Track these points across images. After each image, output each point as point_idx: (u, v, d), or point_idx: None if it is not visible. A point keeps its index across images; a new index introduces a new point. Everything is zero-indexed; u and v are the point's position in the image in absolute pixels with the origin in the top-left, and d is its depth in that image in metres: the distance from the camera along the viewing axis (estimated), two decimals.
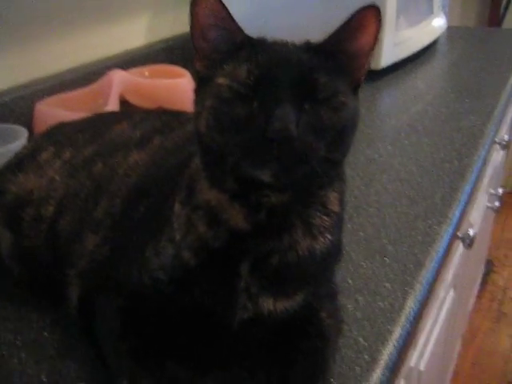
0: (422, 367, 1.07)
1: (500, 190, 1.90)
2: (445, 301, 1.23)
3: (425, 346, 1.08)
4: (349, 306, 0.65)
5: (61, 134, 0.81)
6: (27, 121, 1.12)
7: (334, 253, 0.57)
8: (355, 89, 0.53)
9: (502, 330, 2.41)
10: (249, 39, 0.52)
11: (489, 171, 1.64)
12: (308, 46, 0.52)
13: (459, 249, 1.24)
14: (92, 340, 0.58)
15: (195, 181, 0.54)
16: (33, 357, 0.60)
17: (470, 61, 1.67)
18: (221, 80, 0.49)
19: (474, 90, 1.37)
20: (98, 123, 0.81)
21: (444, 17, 1.86)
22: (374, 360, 0.57)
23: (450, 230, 0.80)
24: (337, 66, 0.51)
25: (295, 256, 0.51)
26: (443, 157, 1.02)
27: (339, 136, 0.48)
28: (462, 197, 0.89)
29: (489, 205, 1.77)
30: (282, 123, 0.44)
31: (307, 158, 0.46)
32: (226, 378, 0.55)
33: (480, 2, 3.84)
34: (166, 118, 0.75)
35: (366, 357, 0.58)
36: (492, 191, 1.84)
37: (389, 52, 1.45)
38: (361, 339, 0.60)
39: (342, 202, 0.55)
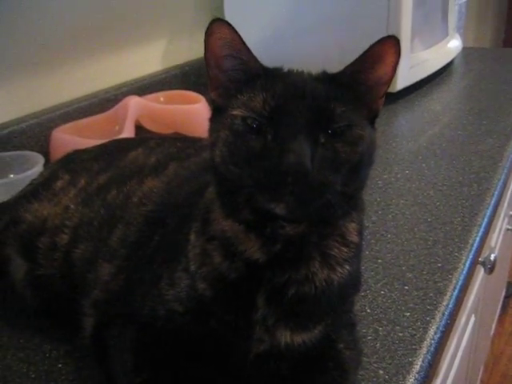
0: None
1: None
2: (466, 328, 1.20)
3: (446, 374, 1.05)
4: (368, 337, 0.63)
5: (76, 161, 0.81)
6: (44, 148, 1.13)
7: (353, 284, 0.55)
8: (372, 119, 0.52)
9: None
10: (264, 69, 0.52)
11: (509, 193, 1.62)
12: (324, 76, 0.51)
13: (480, 274, 1.22)
14: (106, 371, 0.57)
15: (210, 211, 0.53)
16: None
17: (486, 82, 1.66)
18: (235, 111, 0.49)
19: (491, 112, 1.36)
20: (113, 150, 0.81)
21: (459, 38, 1.86)
22: None
23: (471, 256, 0.78)
24: (354, 96, 0.50)
25: (312, 287, 0.50)
26: (462, 180, 1.00)
27: (355, 169, 0.48)
28: (483, 221, 0.87)
29: (509, 227, 1.74)
30: (297, 157, 0.43)
31: (322, 193, 0.45)
32: None
33: (495, 23, 3.84)
34: (182, 144, 0.75)
35: None
36: (511, 213, 1.81)
37: (404, 74, 1.44)
38: (381, 372, 0.58)
39: (361, 233, 0.54)
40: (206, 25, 0.50)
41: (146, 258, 0.59)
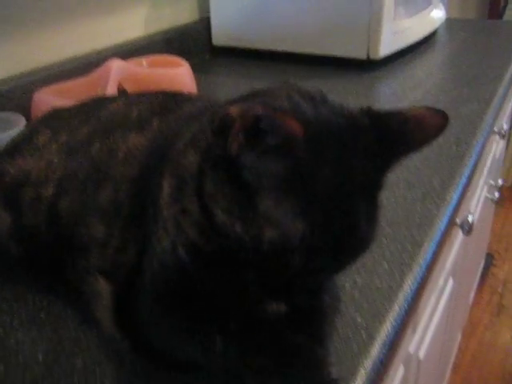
0: (421, 356, 1.07)
1: (500, 181, 1.90)
2: (444, 289, 1.23)
3: (424, 333, 1.08)
4: (347, 287, 0.65)
5: (56, 118, 0.81)
6: (25, 110, 1.12)
7: None
8: None
9: (503, 322, 2.41)
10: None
11: (488, 162, 1.64)
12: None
13: (458, 236, 1.24)
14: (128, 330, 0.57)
15: (191, 188, 0.50)
16: (29, 337, 0.60)
17: (469, 51, 1.67)
18: (269, 232, 0.43)
19: (472, 79, 1.37)
20: (93, 104, 0.81)
21: (443, 8, 1.86)
22: (371, 338, 0.57)
23: (449, 212, 0.80)
24: None
25: None
26: (442, 143, 1.01)
27: None
28: (461, 181, 0.88)
29: (488, 196, 1.77)
30: None
31: None
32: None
33: None
34: (163, 97, 0.75)
35: (364, 335, 0.58)
36: (492, 182, 1.84)
37: (387, 42, 1.45)
38: (358, 318, 0.60)
39: None
40: None
41: (145, 227, 0.58)
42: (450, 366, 1.97)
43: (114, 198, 0.61)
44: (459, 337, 2.08)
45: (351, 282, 0.66)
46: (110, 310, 0.58)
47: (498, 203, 2.83)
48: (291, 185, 0.43)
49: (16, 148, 0.77)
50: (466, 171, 0.92)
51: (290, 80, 0.51)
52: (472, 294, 2.25)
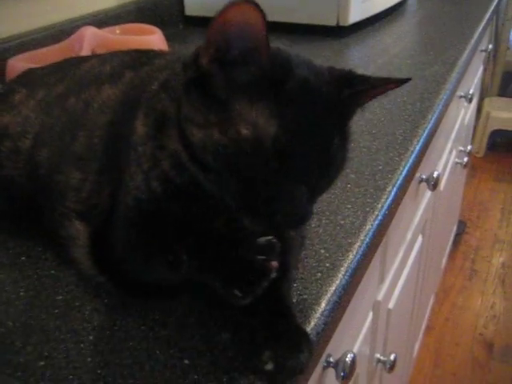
0: (390, 305, 1.12)
1: (469, 147, 1.96)
2: (413, 245, 1.28)
3: (393, 285, 1.12)
4: (312, 225, 0.69)
5: (32, 77, 0.83)
6: (0, 76, 1.13)
7: None
8: None
9: (474, 287, 2.49)
10: (278, 72, 0.49)
11: (456, 126, 1.69)
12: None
13: (426, 193, 1.29)
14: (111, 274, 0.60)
15: (168, 123, 0.53)
16: (11, 277, 0.63)
17: (437, 19, 1.71)
18: (244, 130, 0.47)
19: (439, 44, 1.41)
20: (67, 64, 0.83)
21: None
22: (334, 267, 0.61)
23: (411, 160, 0.84)
24: None
25: None
26: (406, 100, 1.05)
27: None
28: (423, 133, 0.93)
29: (458, 161, 1.83)
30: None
31: None
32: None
33: None
34: (135, 53, 0.77)
35: (327, 264, 0.62)
36: (461, 148, 1.90)
37: (356, 9, 1.48)
38: (322, 251, 0.64)
39: None
40: None
41: (118, 170, 0.61)
42: (423, 327, 2.03)
43: (89, 144, 0.64)
44: (432, 300, 2.15)
45: (316, 221, 0.69)
46: (86, 249, 0.61)
47: (470, 174, 2.91)
48: (262, 90, 0.47)
49: None
50: (428, 125, 0.96)
51: None
52: (444, 259, 2.32)
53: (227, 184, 0.49)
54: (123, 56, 0.76)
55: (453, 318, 2.31)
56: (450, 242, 2.45)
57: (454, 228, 2.50)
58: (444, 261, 2.31)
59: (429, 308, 2.10)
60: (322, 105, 0.50)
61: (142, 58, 0.75)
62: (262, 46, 0.47)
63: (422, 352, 2.09)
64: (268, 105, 0.47)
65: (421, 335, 1.99)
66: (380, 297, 1.02)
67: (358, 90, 0.53)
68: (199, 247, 0.52)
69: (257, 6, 0.45)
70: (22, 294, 0.60)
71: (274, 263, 0.49)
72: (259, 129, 0.46)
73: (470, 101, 1.63)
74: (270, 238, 0.50)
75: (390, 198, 0.75)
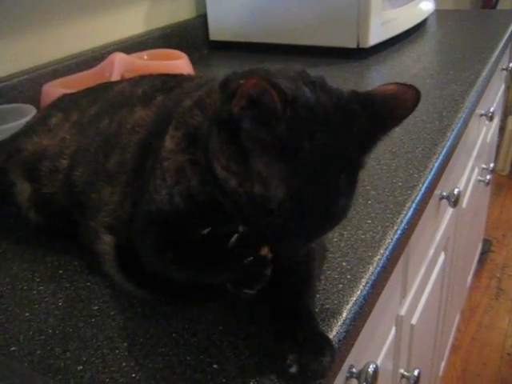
0: (413, 321, 1.14)
1: (492, 165, 1.97)
2: (435, 262, 1.29)
3: (416, 300, 1.14)
4: (334, 239, 0.72)
5: (66, 102, 0.88)
6: (35, 102, 1.19)
7: None
8: None
9: (501, 306, 2.46)
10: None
11: (477, 144, 1.71)
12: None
13: (447, 210, 1.31)
14: (136, 278, 0.64)
15: (201, 141, 0.57)
16: (50, 289, 0.67)
17: (456, 39, 1.74)
18: (256, 187, 0.51)
19: (458, 63, 1.44)
20: (100, 88, 0.88)
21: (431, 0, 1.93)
22: (355, 278, 0.64)
23: (429, 177, 0.87)
24: None
25: None
26: (425, 119, 1.08)
27: None
28: (442, 151, 0.95)
29: (480, 178, 1.84)
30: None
31: None
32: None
33: None
34: (165, 77, 0.82)
35: (349, 276, 0.64)
36: (484, 166, 1.91)
37: (376, 31, 1.52)
38: (344, 263, 0.67)
39: None
40: None
41: (144, 181, 0.65)
42: (449, 346, 2.03)
43: (120, 161, 0.69)
44: (458, 318, 2.14)
45: (338, 235, 0.72)
46: (115, 262, 0.65)
47: (495, 192, 2.90)
48: (278, 152, 0.50)
49: (31, 129, 0.84)
50: (447, 143, 0.98)
51: (297, 65, 0.57)
52: (470, 278, 2.31)
53: (239, 211, 0.53)
54: (154, 79, 0.81)
55: (479, 338, 2.29)
56: (476, 261, 2.44)
57: (479, 246, 2.50)
58: (469, 279, 2.30)
59: (454, 326, 2.09)
60: (335, 164, 0.52)
61: (171, 81, 0.80)
62: (278, 115, 0.49)
63: (449, 371, 2.08)
64: (280, 169, 0.50)
65: (447, 354, 1.99)
66: (403, 311, 1.03)
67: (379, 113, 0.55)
68: (210, 256, 0.55)
69: (272, 84, 0.48)
70: (60, 304, 0.64)
71: (264, 250, 0.53)
72: (269, 191, 0.50)
73: (491, 119, 1.64)
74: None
75: (409, 214, 0.77)
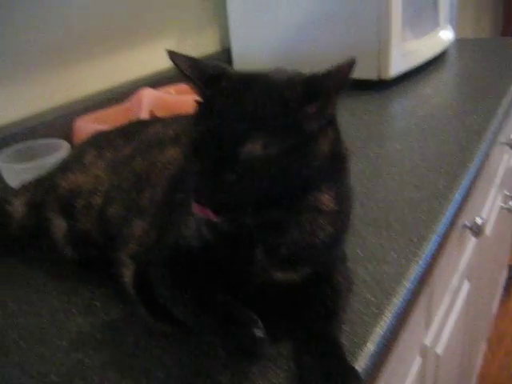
0: (439, 351, 1.14)
1: None
2: (459, 290, 1.30)
3: (440, 330, 1.15)
4: (359, 272, 0.74)
5: (100, 139, 0.92)
6: (68, 136, 1.24)
7: (339, 237, 0.65)
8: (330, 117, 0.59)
9: None
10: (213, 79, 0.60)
11: (500, 172, 1.72)
12: (289, 81, 0.58)
13: (470, 239, 1.32)
14: (148, 307, 0.67)
15: None
16: (87, 320, 0.70)
17: (476, 68, 1.76)
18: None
19: (478, 94, 1.46)
20: (133, 127, 0.92)
21: (451, 29, 1.96)
22: (380, 311, 0.66)
23: (452, 210, 0.89)
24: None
25: (297, 248, 0.60)
26: (447, 151, 1.10)
27: (279, 186, 0.56)
28: (464, 183, 0.97)
29: (503, 205, 1.84)
30: (204, 198, 0.56)
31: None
32: None
33: (493, 15, 3.92)
34: None
35: (374, 309, 0.66)
36: (507, 193, 1.91)
37: (397, 63, 1.55)
38: (369, 296, 0.69)
39: (339, 200, 0.62)
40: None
41: (172, 212, 0.69)
42: (476, 374, 2.01)
43: (152, 196, 0.73)
44: (484, 346, 2.12)
45: (363, 268, 0.75)
46: (136, 294, 0.68)
47: None
48: None
49: (67, 166, 0.88)
50: (469, 176, 1.00)
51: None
52: (496, 304, 2.29)
53: None
54: (184, 121, 0.85)
55: (508, 366, 2.27)
56: (501, 287, 2.42)
57: (505, 273, 2.48)
58: (495, 306, 2.29)
59: (481, 355, 2.07)
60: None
61: None
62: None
63: None
64: None
65: (474, 383, 1.97)
66: (427, 341, 1.05)
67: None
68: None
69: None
70: (98, 335, 0.67)
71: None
72: None
73: None
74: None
75: (433, 247, 0.79)
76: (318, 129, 0.56)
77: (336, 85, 0.56)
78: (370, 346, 0.61)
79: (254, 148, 0.53)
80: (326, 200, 0.61)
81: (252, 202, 0.56)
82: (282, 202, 0.57)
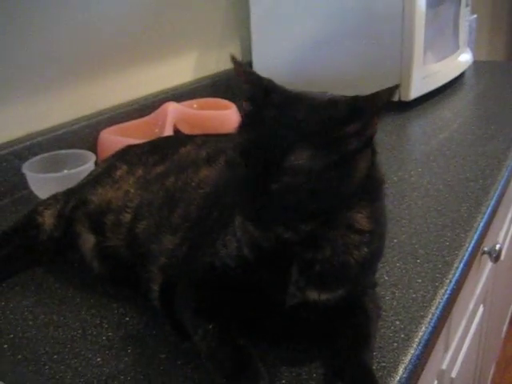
0: (453, 374, 1.15)
1: None
2: (475, 315, 1.31)
3: (456, 353, 1.15)
4: (386, 298, 0.75)
5: (131, 154, 0.94)
6: (92, 146, 1.26)
7: (375, 259, 0.67)
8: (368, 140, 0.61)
9: None
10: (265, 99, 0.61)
11: None
12: (327, 103, 0.61)
13: (487, 264, 1.33)
14: (172, 322, 0.69)
15: None
16: (118, 335, 0.71)
17: (494, 92, 1.78)
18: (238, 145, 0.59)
19: (497, 118, 1.47)
20: (164, 145, 0.94)
21: (470, 52, 1.98)
22: (409, 338, 0.67)
23: (476, 236, 0.90)
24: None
25: (333, 266, 0.61)
26: (469, 176, 1.11)
27: (320, 202, 0.57)
28: (487, 210, 0.98)
29: None
30: (247, 207, 0.57)
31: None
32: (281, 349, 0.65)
33: (508, 38, 3.95)
34: (226, 139, 0.87)
35: (402, 335, 0.67)
36: None
37: (418, 85, 1.57)
38: (397, 322, 0.70)
39: (374, 219, 0.63)
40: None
41: (206, 229, 0.70)
42: None
43: (185, 212, 0.74)
44: (493, 369, 2.12)
45: (390, 294, 0.76)
46: (158, 299, 0.71)
47: None
48: None
49: (97, 180, 0.90)
50: (491, 202, 1.01)
51: None
52: (505, 328, 2.29)
53: None
54: (216, 143, 0.86)
55: None
56: (511, 310, 2.42)
57: None
58: (504, 329, 2.28)
59: (490, 378, 2.07)
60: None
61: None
62: None
63: None
64: None
65: None
66: (444, 365, 1.05)
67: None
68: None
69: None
70: (129, 351, 0.68)
71: None
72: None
73: None
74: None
75: (458, 274, 0.80)
76: (357, 149, 0.58)
77: (377, 107, 0.58)
78: (401, 373, 0.62)
79: (301, 157, 0.55)
80: (361, 219, 0.62)
81: (292, 215, 0.57)
82: (320, 217, 0.59)
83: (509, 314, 2.36)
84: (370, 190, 0.63)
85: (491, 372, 2.09)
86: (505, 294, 1.95)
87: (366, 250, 0.63)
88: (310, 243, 0.61)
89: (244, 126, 0.61)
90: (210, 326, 0.62)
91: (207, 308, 0.64)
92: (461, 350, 1.20)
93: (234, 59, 0.63)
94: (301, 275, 0.62)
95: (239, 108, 1.42)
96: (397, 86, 0.57)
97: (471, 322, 1.28)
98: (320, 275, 0.62)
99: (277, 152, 0.55)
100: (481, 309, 1.37)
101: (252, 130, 0.59)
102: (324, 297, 0.63)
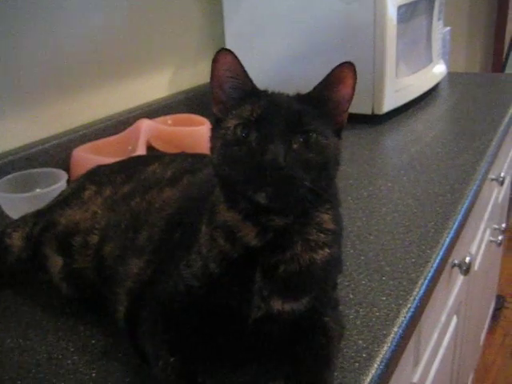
0: None
1: (503, 225, 2.00)
2: (448, 326, 1.32)
3: (429, 366, 1.17)
4: (350, 316, 0.76)
5: (100, 174, 0.94)
6: (65, 165, 1.26)
7: (334, 264, 0.67)
8: (338, 131, 0.65)
9: None
10: (255, 89, 0.65)
11: (489, 207, 1.75)
12: (298, 96, 0.65)
13: (459, 277, 1.34)
14: (137, 346, 0.69)
15: (215, 205, 0.65)
16: (83, 359, 0.71)
17: (467, 104, 1.80)
18: (229, 123, 0.61)
19: (469, 131, 1.50)
20: (133, 165, 0.94)
21: (444, 64, 2.00)
22: (370, 357, 0.68)
23: (441, 253, 0.91)
24: (321, 111, 0.63)
25: (297, 266, 0.62)
26: (437, 191, 1.13)
27: (322, 171, 0.60)
28: (453, 225, 1.00)
29: (492, 239, 1.87)
30: (273, 155, 0.56)
31: (294, 185, 0.58)
32: (243, 372, 0.66)
33: (483, 50, 4.01)
34: (192, 159, 0.88)
35: (365, 355, 0.68)
36: (495, 226, 1.94)
37: (390, 98, 1.59)
38: (360, 341, 0.71)
39: (336, 222, 0.66)
40: (208, 56, 0.63)
41: (169, 252, 0.71)
42: None
43: (149, 235, 0.74)
44: (471, 377, 2.14)
45: (354, 312, 0.77)
46: (124, 323, 0.71)
47: (508, 247, 2.91)
48: None
49: (65, 201, 0.90)
50: (458, 217, 1.03)
51: None
52: (483, 335, 2.31)
53: None
54: (182, 162, 0.87)
55: None
56: (489, 318, 2.45)
57: (493, 303, 2.50)
58: (483, 336, 2.30)
59: None
60: None
61: (198, 164, 0.86)
62: (243, 76, 0.66)
63: None
64: None
65: None
66: (415, 379, 1.06)
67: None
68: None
69: (228, 51, 0.64)
70: (94, 375, 0.68)
71: None
72: (242, 113, 0.62)
73: (501, 183, 1.69)
74: None
75: (422, 291, 0.81)
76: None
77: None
78: None
79: (312, 122, 0.60)
80: (328, 220, 0.65)
81: (301, 183, 0.58)
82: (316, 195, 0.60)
83: (487, 321, 2.39)
84: (334, 193, 0.67)
85: (470, 379, 2.10)
86: (481, 302, 1.97)
87: (328, 250, 0.64)
88: (278, 245, 0.62)
89: (241, 101, 0.63)
90: (172, 360, 0.62)
91: (170, 339, 0.64)
92: (434, 361, 1.21)
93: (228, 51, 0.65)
94: (264, 279, 0.62)
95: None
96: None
97: (444, 334, 1.29)
98: (284, 278, 0.63)
99: (293, 113, 0.60)
100: (454, 319, 1.38)
101: (260, 101, 0.62)
102: (288, 306, 0.63)
